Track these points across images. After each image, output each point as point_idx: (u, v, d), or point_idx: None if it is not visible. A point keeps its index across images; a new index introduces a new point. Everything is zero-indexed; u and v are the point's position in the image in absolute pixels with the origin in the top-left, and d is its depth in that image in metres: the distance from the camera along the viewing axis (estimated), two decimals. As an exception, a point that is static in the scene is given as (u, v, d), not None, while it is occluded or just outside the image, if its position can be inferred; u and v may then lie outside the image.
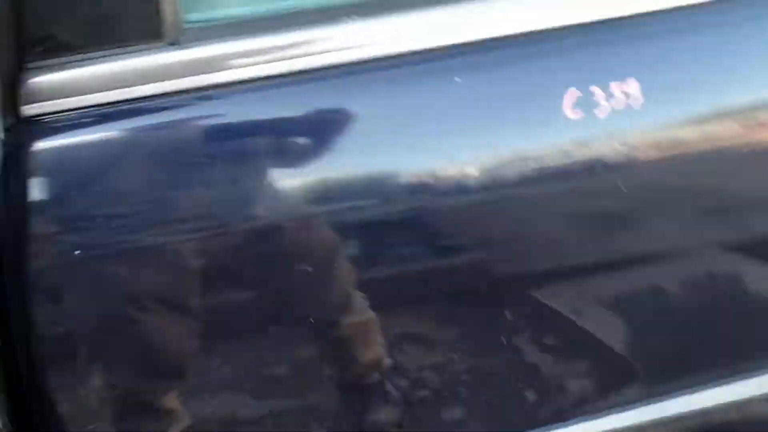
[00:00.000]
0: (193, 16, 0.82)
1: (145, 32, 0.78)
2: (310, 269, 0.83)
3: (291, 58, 0.82)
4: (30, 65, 0.76)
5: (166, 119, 0.81)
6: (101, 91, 0.78)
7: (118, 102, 0.78)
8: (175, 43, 0.79)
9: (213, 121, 0.83)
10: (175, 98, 0.80)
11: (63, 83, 0.77)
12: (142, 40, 0.78)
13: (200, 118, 0.83)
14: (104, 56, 0.78)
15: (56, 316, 0.79)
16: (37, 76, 0.76)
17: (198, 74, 0.80)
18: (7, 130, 0.76)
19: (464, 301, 0.90)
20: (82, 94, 0.77)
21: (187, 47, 0.80)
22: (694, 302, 0.99)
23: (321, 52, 0.83)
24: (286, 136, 0.83)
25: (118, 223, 0.79)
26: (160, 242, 0.80)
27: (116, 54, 0.78)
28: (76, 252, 0.78)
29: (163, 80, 0.79)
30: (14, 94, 0.75)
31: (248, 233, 0.82)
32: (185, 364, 0.85)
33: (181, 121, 0.82)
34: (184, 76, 0.80)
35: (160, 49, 0.79)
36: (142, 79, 0.79)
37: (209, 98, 0.81)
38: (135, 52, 0.78)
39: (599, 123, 0.87)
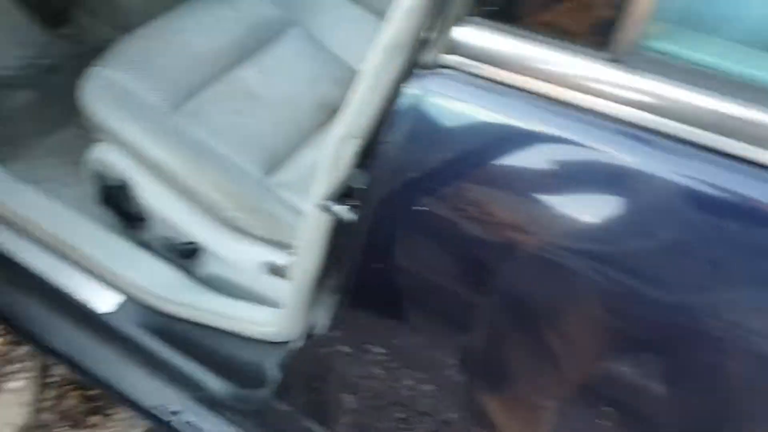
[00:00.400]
0: (657, 44, 0.68)
1: (592, 35, 0.69)
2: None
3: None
4: (468, 19, 0.73)
5: (570, 133, 0.72)
6: (518, 72, 0.72)
7: (526, 90, 0.72)
8: (616, 61, 0.68)
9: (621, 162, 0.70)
10: (589, 117, 0.70)
11: (488, 48, 0.73)
12: (585, 42, 0.69)
13: (606, 150, 0.71)
14: (537, 40, 0.71)
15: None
16: (469, 30, 0.73)
17: (627, 105, 0.69)
18: (422, 66, 0.76)
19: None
20: (499, 66, 0.72)
21: (628, 71, 0.68)
22: None
23: None
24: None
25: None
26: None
27: (550, 43, 0.70)
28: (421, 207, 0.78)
29: (585, 92, 0.70)
30: (443, 38, 0.74)
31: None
32: (524, 384, 0.84)
33: (585, 144, 0.71)
34: (611, 99, 0.69)
35: (596, 59, 0.69)
36: (562, 80, 0.70)
37: (628, 134, 0.69)
38: (569, 49, 0.70)
39: None
